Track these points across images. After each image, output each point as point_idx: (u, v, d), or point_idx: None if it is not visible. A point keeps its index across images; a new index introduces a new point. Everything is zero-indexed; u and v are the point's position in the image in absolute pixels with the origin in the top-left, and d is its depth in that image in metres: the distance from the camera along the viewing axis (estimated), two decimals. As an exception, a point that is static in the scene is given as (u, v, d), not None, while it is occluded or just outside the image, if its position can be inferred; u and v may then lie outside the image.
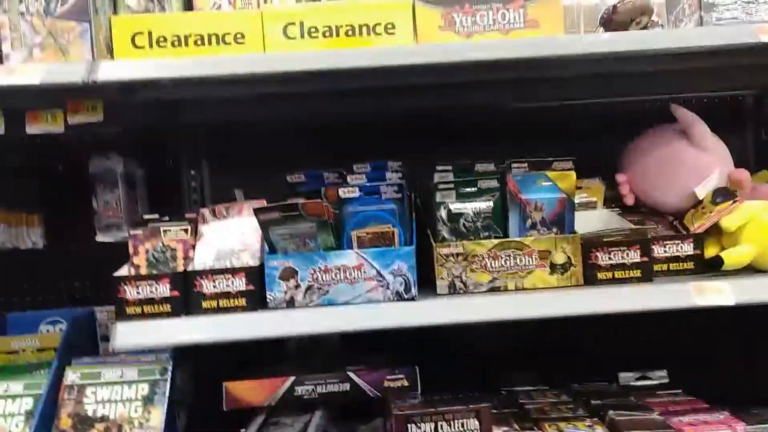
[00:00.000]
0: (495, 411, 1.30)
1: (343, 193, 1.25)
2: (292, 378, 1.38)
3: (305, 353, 1.64)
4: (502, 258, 1.24)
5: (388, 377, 1.37)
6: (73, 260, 1.84)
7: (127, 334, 1.21)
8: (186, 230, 1.33)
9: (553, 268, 1.23)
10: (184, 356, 1.57)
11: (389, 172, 1.41)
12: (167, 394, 1.50)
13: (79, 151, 1.70)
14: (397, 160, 1.49)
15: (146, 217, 1.38)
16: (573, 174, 1.28)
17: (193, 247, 1.33)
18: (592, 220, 1.36)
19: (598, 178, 1.50)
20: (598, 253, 1.23)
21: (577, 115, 1.76)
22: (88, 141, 1.63)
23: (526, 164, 1.30)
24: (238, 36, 1.26)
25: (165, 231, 1.32)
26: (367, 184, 1.26)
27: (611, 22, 1.34)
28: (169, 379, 1.52)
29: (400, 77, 1.30)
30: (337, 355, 1.60)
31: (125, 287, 1.25)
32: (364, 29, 1.28)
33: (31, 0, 1.22)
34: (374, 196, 1.27)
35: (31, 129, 1.31)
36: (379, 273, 1.21)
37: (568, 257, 1.23)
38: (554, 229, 1.28)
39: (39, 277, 1.85)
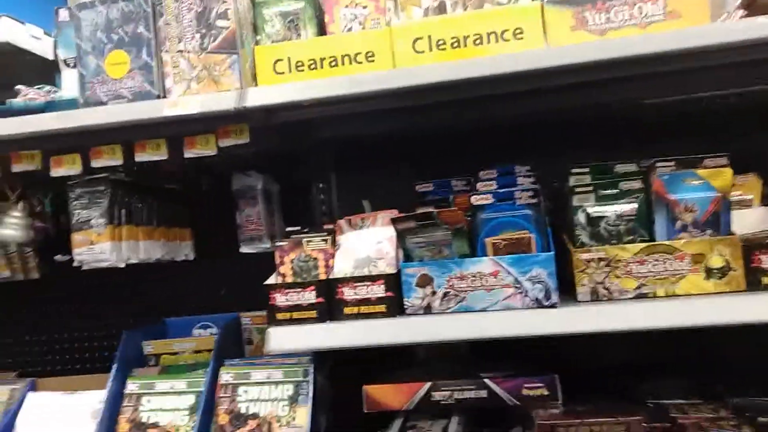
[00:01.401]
0: (645, 425, 1.23)
1: (476, 200, 1.25)
2: (429, 383, 1.40)
3: (435, 358, 1.66)
4: (649, 263, 1.17)
5: (527, 385, 1.34)
6: (219, 270, 2.00)
7: (279, 338, 1.30)
8: (326, 240, 1.40)
9: (710, 272, 1.14)
10: (323, 359, 1.65)
11: (518, 176, 1.39)
12: (311, 394, 1.59)
13: (221, 170, 1.85)
14: (523, 164, 1.47)
15: (288, 229, 1.47)
16: (729, 171, 1.18)
17: (333, 256, 1.39)
18: (749, 220, 1.25)
19: (755, 173, 1.37)
20: (761, 256, 1.13)
21: (723, 109, 1.62)
22: (230, 161, 1.77)
23: (672, 163, 1.22)
24: (369, 54, 1.31)
25: (307, 242, 1.40)
26: (500, 191, 1.25)
27: (753, 4, 1.23)
28: (311, 381, 1.61)
29: (530, 82, 1.28)
30: (467, 361, 1.60)
31: (275, 294, 1.34)
32: (492, 37, 1.28)
33: (188, 39, 1.35)
34: (507, 202, 1.26)
35: (188, 153, 1.45)
36: (516, 280, 1.20)
37: (726, 261, 1.13)
38: (708, 231, 1.18)
39: (191, 286, 2.03)
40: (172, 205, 1.89)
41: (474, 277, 1.22)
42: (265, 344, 1.30)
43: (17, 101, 1.41)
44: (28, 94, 1.42)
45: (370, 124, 1.46)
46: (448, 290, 1.24)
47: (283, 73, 1.33)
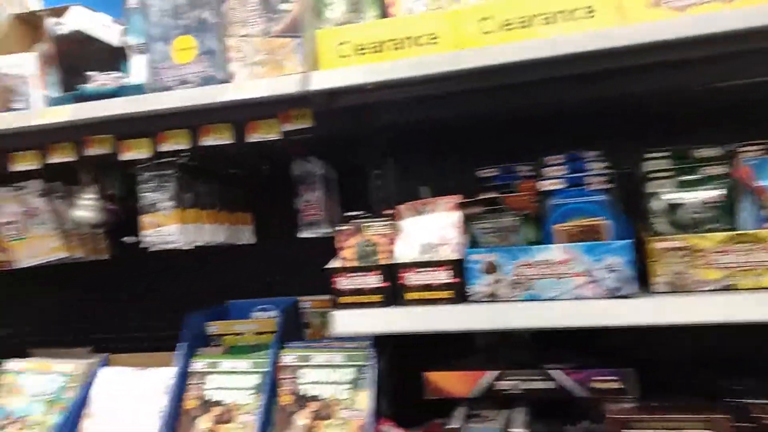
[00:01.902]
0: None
1: (545, 185, 1.20)
2: (495, 372, 1.37)
3: (496, 346, 1.63)
4: (733, 253, 1.09)
5: (598, 377, 1.30)
6: (278, 254, 2.02)
7: (343, 322, 1.30)
8: (387, 225, 1.38)
9: (802, 264, 1.06)
10: (383, 344, 1.65)
11: (587, 162, 1.33)
12: (372, 379, 1.59)
13: (280, 156, 1.86)
14: (590, 150, 1.41)
15: (348, 214, 1.47)
16: (826, 155, 1.09)
17: (393, 241, 1.38)
18: None
19: None
20: None
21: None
22: (289, 146, 1.77)
23: (760, 147, 1.13)
24: (433, 36, 1.27)
25: (368, 227, 1.39)
26: (571, 175, 1.20)
27: None
28: (372, 365, 1.60)
29: (602, 62, 1.21)
30: (529, 350, 1.56)
31: (339, 278, 1.33)
32: (561, 16, 1.22)
33: (252, 23, 1.35)
34: (579, 187, 1.20)
35: (251, 138, 1.46)
36: (589, 269, 1.15)
37: (821, 252, 1.05)
38: (801, 220, 1.10)
39: (250, 269, 2.06)
40: (233, 189, 1.92)
41: (543, 264, 1.18)
42: (330, 327, 1.30)
43: (90, 86, 1.44)
44: (99, 80, 1.45)
45: (432, 109, 1.42)
46: (515, 278, 1.20)
47: (346, 56, 1.31)
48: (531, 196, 1.20)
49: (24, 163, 1.58)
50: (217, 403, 1.66)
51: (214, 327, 1.88)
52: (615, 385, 1.28)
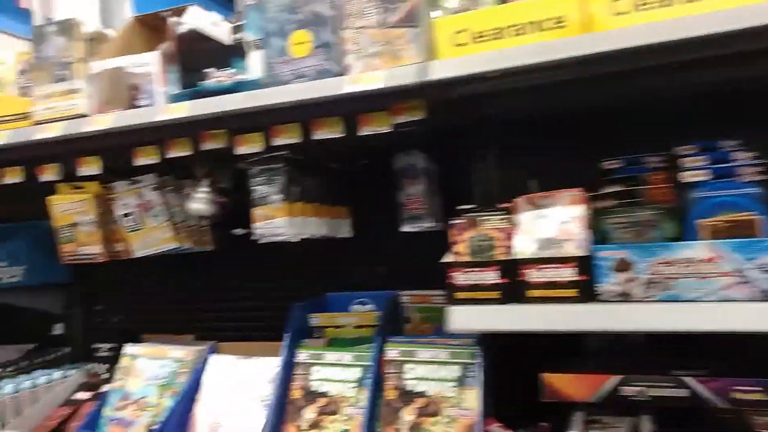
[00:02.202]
0: None
1: (688, 176, 1.11)
2: (620, 377, 1.29)
3: (614, 348, 1.53)
4: None
5: (738, 387, 1.19)
6: (376, 248, 2.01)
7: (460, 318, 1.25)
8: (504, 219, 1.33)
9: None
10: (488, 342, 1.59)
11: (730, 152, 1.21)
12: (480, 377, 1.54)
13: (380, 148, 1.84)
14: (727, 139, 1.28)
15: (461, 207, 1.42)
16: None
17: (512, 235, 1.32)
18: None
19: None
20: None
21: None
22: (390, 139, 1.74)
23: None
24: (559, 20, 1.20)
25: (485, 220, 1.34)
26: (719, 166, 1.10)
27: None
28: (480, 363, 1.56)
29: (754, 41, 1.09)
30: (652, 355, 1.46)
31: (455, 273, 1.29)
32: (700, -7, 1.11)
33: (368, 14, 1.33)
34: (725, 179, 1.10)
35: (363, 131, 1.44)
36: (739, 268, 1.04)
37: None
38: None
39: (348, 263, 2.06)
40: (333, 183, 1.92)
41: (685, 263, 1.09)
42: (445, 323, 1.26)
43: (209, 83, 1.48)
44: (216, 76, 1.49)
45: (549, 97, 1.35)
46: (652, 277, 1.12)
47: (464, 44, 1.26)
48: (671, 189, 1.11)
49: (145, 157, 1.65)
50: (323, 395, 1.67)
51: (315, 319, 1.90)
52: (759, 397, 1.17)
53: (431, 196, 1.77)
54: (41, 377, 2.12)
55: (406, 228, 1.78)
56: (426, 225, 1.74)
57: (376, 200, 1.99)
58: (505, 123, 1.71)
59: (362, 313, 1.88)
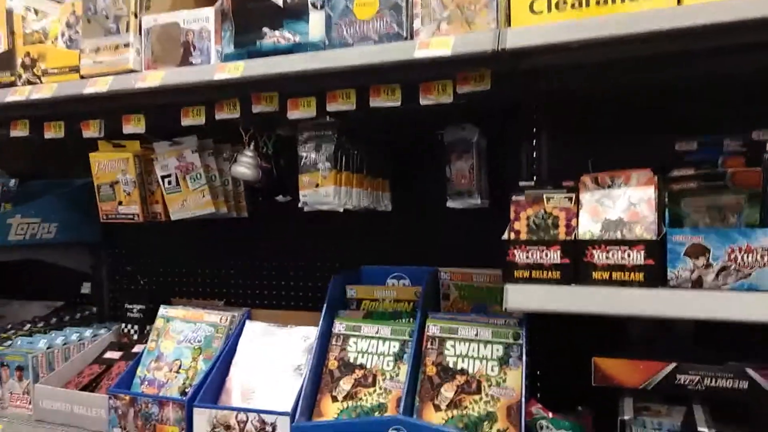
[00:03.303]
0: None
1: (777, 162, 1.05)
2: (674, 365, 1.25)
3: (665, 336, 1.49)
4: None
5: (803, 380, 1.14)
6: (416, 223, 1.96)
7: (518, 297, 1.21)
8: (569, 198, 1.27)
9: None
10: (534, 322, 1.55)
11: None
12: (523, 358, 1.50)
13: (428, 121, 1.78)
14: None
15: (522, 184, 1.37)
16: None
17: (576, 215, 1.27)
18: None
19: None
20: None
21: None
22: (443, 111, 1.67)
23: None
24: (646, -11, 1.13)
25: (548, 198, 1.28)
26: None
27: None
28: (524, 344, 1.52)
29: None
30: (705, 344, 1.41)
31: (515, 251, 1.24)
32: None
33: (440, -23, 1.26)
34: (815, 166, 1.04)
35: (424, 100, 1.38)
36: (828, 258, 0.99)
37: None
38: None
39: (386, 236, 2.01)
40: (377, 154, 1.87)
41: (766, 251, 1.03)
42: (503, 301, 1.22)
43: (267, 42, 1.42)
44: (274, 36, 1.42)
45: (626, 73, 1.28)
46: (728, 264, 1.06)
47: (540, 12, 1.20)
48: (758, 174, 1.05)
49: (192, 118, 1.60)
50: (360, 366, 1.64)
51: (353, 291, 1.87)
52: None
53: (479, 173, 1.71)
54: (73, 334, 2.10)
55: (452, 204, 1.73)
56: (472, 202, 1.69)
57: (418, 174, 1.94)
58: (568, 98, 1.65)
59: (402, 287, 1.84)
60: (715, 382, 1.22)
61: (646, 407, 1.32)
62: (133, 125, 1.68)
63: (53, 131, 1.78)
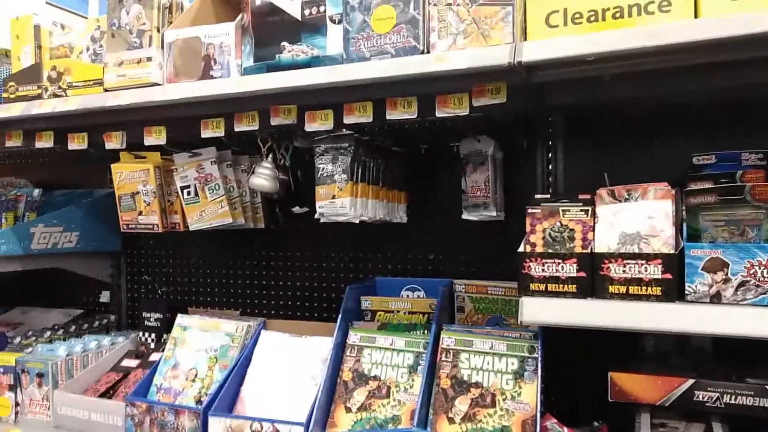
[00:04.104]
0: None
1: (797, 176, 1.04)
2: (692, 381, 1.23)
3: (690, 351, 1.47)
4: None
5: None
6: (431, 235, 1.96)
7: (534, 310, 1.20)
8: (586, 211, 1.27)
9: None
10: (550, 336, 1.54)
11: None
12: (539, 371, 1.49)
13: (443, 133, 1.78)
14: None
15: (539, 196, 1.36)
16: None
17: (593, 228, 1.26)
18: None
19: None
20: None
21: None
22: (458, 124, 1.67)
23: None
24: (664, 4, 1.13)
25: (564, 211, 1.28)
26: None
27: None
28: (539, 358, 1.51)
29: None
30: (723, 360, 1.39)
31: (530, 263, 1.24)
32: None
33: (456, -9, 1.27)
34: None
35: (440, 112, 1.39)
36: None
37: None
38: None
39: (401, 248, 2.01)
40: (393, 166, 1.87)
41: (785, 266, 1.02)
42: (518, 314, 1.21)
43: (285, 56, 1.44)
44: (293, 50, 1.45)
45: (642, 86, 1.28)
46: (748, 279, 1.05)
47: (556, 26, 1.20)
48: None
49: (212, 130, 1.62)
50: (374, 378, 1.63)
51: (367, 302, 1.87)
52: None
53: (495, 185, 1.71)
54: (91, 342, 2.12)
55: (467, 216, 1.73)
56: (488, 214, 1.69)
57: (433, 186, 1.95)
58: (585, 110, 1.65)
59: (416, 299, 1.84)
60: (735, 399, 1.19)
61: (663, 423, 1.30)
62: (155, 137, 1.71)
63: (77, 142, 1.82)
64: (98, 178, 2.40)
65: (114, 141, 1.79)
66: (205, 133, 1.62)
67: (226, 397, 1.71)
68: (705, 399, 1.21)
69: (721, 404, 1.20)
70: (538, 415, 1.42)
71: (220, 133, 1.63)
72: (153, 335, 2.25)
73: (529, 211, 1.30)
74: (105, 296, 2.55)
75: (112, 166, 1.98)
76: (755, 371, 1.26)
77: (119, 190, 1.99)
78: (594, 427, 1.48)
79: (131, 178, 1.96)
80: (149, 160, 1.96)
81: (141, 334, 2.25)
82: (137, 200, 1.96)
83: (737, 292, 1.06)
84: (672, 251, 1.13)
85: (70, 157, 2.01)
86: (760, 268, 1.04)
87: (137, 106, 1.60)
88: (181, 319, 1.96)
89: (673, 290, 1.11)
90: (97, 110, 1.63)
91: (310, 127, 1.51)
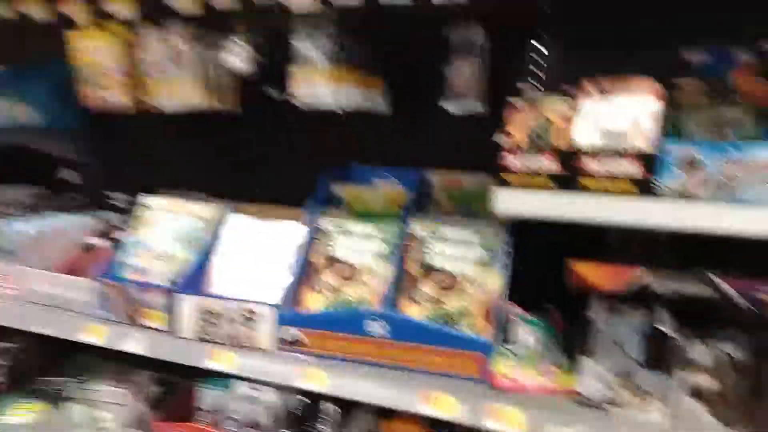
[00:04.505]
0: None
1: (783, 76, 1.03)
2: (646, 270, 1.30)
3: (642, 245, 1.53)
4: None
5: (764, 289, 1.20)
6: (410, 124, 1.92)
7: (508, 202, 1.22)
8: (568, 104, 1.25)
9: None
10: (516, 226, 1.57)
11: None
12: (505, 261, 1.54)
13: (431, 19, 1.68)
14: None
15: (519, 86, 1.34)
16: None
17: (574, 122, 1.25)
18: None
19: None
20: None
21: None
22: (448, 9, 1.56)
23: None
24: None
25: (545, 103, 1.26)
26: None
27: None
28: (507, 249, 1.55)
29: None
30: (681, 255, 1.46)
31: (508, 155, 1.24)
32: None
33: None
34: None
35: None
36: (814, 176, 1.01)
37: None
38: None
39: (380, 137, 1.95)
40: (375, 51, 1.79)
41: (755, 165, 1.04)
42: (492, 205, 1.23)
43: None
44: None
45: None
46: (717, 177, 1.08)
47: None
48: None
49: (186, 4, 1.49)
50: (344, 262, 1.67)
51: (340, 189, 1.86)
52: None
53: (481, 77, 1.65)
54: (57, 220, 2.08)
55: (450, 108, 1.68)
56: (471, 106, 1.65)
57: (414, 75, 1.87)
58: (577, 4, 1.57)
59: (390, 189, 1.84)
60: (682, 287, 1.27)
61: (614, 309, 1.38)
62: (119, 4, 1.57)
63: (32, 7, 1.66)
64: (58, 51, 2.22)
65: (71, 6, 1.63)
66: (175, 4, 1.49)
67: (197, 277, 1.72)
68: (658, 289, 1.29)
69: (669, 292, 1.28)
70: (501, 301, 1.49)
71: (192, 4, 1.50)
72: (120, 215, 2.22)
73: (511, 102, 1.27)
74: (69, 175, 2.47)
75: (71, 35, 1.83)
76: (707, 263, 1.33)
77: (80, 63, 1.85)
78: (547, 311, 1.55)
79: (95, 50, 1.82)
80: (114, 32, 1.81)
81: (107, 213, 2.21)
82: (101, 76, 1.84)
83: (705, 189, 1.09)
84: (650, 148, 1.14)
85: (26, 27, 1.84)
86: (730, 167, 1.06)
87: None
88: (147, 199, 1.92)
89: (648, 186, 1.13)
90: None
91: (290, 2, 1.40)
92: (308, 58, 1.51)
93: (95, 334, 1.67)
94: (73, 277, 1.84)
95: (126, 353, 1.67)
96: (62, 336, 1.73)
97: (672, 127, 1.12)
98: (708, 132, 1.08)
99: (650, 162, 1.12)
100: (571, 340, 1.43)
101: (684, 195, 1.10)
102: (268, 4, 1.40)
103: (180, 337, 1.61)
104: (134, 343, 1.64)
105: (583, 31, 1.59)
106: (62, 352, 2.06)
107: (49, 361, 2.06)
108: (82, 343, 1.72)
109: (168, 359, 1.63)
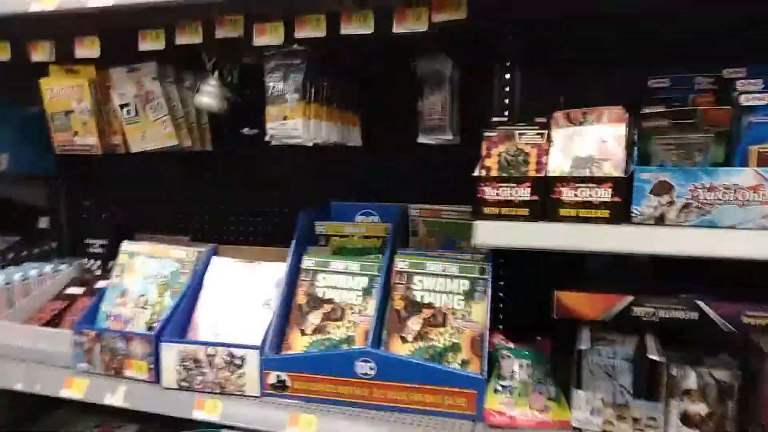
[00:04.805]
0: None
1: (746, 100, 1.06)
2: (632, 298, 1.30)
3: (625, 271, 1.54)
4: None
5: (749, 312, 1.21)
6: (386, 158, 1.94)
7: (486, 233, 1.22)
8: (541, 134, 1.27)
9: None
10: (500, 257, 1.58)
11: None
12: (488, 292, 1.54)
13: (400, 52, 1.70)
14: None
15: (495, 119, 1.35)
16: None
17: (547, 152, 1.27)
18: None
19: None
20: None
21: None
22: (410, 43, 1.60)
23: None
24: None
25: (520, 134, 1.28)
26: (777, 91, 1.05)
27: None
28: (489, 279, 1.56)
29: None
30: (664, 279, 1.47)
31: (485, 187, 1.24)
32: None
33: None
34: (781, 105, 1.05)
35: (398, 28, 1.33)
36: (784, 197, 1.03)
37: None
38: None
39: (354, 172, 1.98)
40: (347, 87, 1.81)
41: (727, 189, 1.06)
42: (472, 237, 1.23)
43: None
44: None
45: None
46: (690, 201, 1.09)
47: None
48: (727, 113, 1.06)
49: (151, 42, 1.50)
50: (328, 301, 1.65)
51: (321, 227, 1.86)
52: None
53: (452, 108, 1.68)
54: (32, 270, 2.04)
55: (423, 139, 1.70)
56: (444, 137, 1.67)
57: (387, 108, 1.90)
58: (544, 33, 1.60)
59: (371, 224, 1.84)
60: (668, 313, 1.27)
61: (602, 337, 1.38)
62: (87, 48, 1.57)
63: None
64: (27, 95, 2.21)
65: (41, 52, 1.63)
66: (143, 46, 1.50)
67: (178, 323, 1.69)
68: (641, 314, 1.29)
69: (656, 318, 1.28)
70: (487, 332, 1.49)
71: (160, 45, 1.51)
72: (98, 262, 2.19)
73: (486, 134, 1.29)
74: (44, 222, 2.43)
75: (40, 80, 1.83)
76: (689, 287, 1.34)
77: (51, 108, 1.84)
78: (537, 342, 1.55)
79: (64, 94, 1.81)
80: (83, 75, 1.81)
81: (86, 261, 2.18)
82: (72, 119, 1.83)
83: (680, 214, 1.10)
84: (622, 174, 1.15)
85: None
86: (703, 191, 1.08)
87: (64, 13, 1.45)
88: (127, 245, 1.89)
89: (621, 212, 1.14)
90: (20, 15, 1.47)
91: (259, 41, 1.42)
92: (281, 94, 1.51)
93: (74, 389, 1.63)
94: (51, 329, 1.80)
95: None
96: (38, 392, 1.68)
97: (642, 153, 1.14)
98: (675, 156, 1.10)
99: (622, 188, 1.13)
100: (562, 369, 1.43)
101: (656, 220, 1.11)
102: (236, 40, 1.41)
103: (165, 388, 1.57)
104: (117, 396, 1.59)
105: (549, 64, 1.62)
106: (39, 407, 1.99)
107: (24, 417, 2.00)
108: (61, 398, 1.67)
109: (153, 411, 1.58)
